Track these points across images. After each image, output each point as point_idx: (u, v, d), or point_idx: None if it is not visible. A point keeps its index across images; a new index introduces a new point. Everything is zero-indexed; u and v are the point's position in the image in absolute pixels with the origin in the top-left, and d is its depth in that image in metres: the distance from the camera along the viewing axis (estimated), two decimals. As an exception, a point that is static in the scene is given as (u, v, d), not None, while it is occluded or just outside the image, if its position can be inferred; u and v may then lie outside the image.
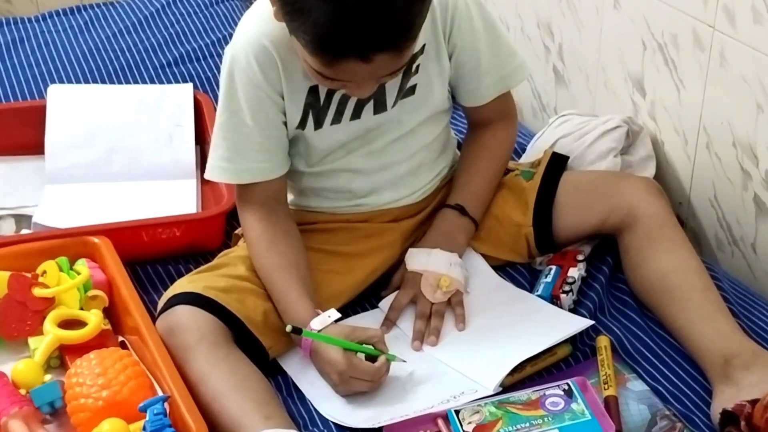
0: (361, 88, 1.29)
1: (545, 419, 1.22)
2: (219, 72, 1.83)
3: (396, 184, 1.48)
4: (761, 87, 1.43)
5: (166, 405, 1.22)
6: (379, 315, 1.46)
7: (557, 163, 1.55)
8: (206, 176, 1.47)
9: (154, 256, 1.57)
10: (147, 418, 1.20)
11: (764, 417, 1.16)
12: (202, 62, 1.97)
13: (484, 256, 1.52)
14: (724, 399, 1.24)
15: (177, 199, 1.70)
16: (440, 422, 1.25)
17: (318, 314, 1.32)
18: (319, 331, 1.31)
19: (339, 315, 1.33)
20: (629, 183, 1.50)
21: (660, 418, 1.25)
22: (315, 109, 1.39)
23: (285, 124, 1.40)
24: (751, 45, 1.43)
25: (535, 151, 1.67)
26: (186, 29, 2.09)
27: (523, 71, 1.52)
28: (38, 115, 1.78)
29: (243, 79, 1.37)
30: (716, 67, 1.50)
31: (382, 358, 1.30)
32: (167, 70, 1.96)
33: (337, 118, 1.40)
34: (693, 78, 1.56)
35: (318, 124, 1.40)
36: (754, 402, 1.20)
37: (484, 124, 1.55)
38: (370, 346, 1.31)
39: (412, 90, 1.42)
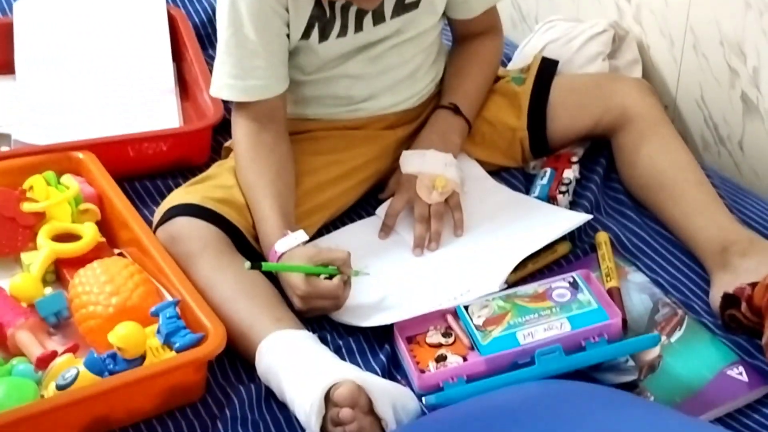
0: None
1: (553, 310, 1.29)
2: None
3: (394, 89, 1.52)
4: (749, -16, 1.51)
5: (177, 309, 1.27)
6: (376, 222, 1.51)
7: (547, 67, 1.62)
8: (212, 93, 1.50)
9: (140, 173, 1.60)
10: (160, 322, 1.26)
11: (765, 297, 1.25)
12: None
13: (479, 161, 1.58)
14: (723, 285, 1.33)
15: (157, 115, 1.72)
16: (449, 318, 1.33)
17: (286, 235, 1.35)
18: (284, 253, 1.33)
19: (306, 237, 1.35)
20: (622, 83, 1.57)
21: (662, 306, 1.34)
22: (321, 21, 1.43)
23: (288, 36, 1.44)
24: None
25: (524, 57, 1.73)
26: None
27: None
28: (6, 33, 1.79)
29: None
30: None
31: (337, 278, 1.31)
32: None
33: (343, 31, 1.44)
34: (679, -21, 1.64)
35: (324, 37, 1.44)
36: (753, 285, 1.29)
37: (472, 37, 1.60)
38: (334, 268, 1.32)
39: (416, 4, 1.47)
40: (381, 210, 1.53)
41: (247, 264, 1.27)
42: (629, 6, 1.75)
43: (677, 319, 1.32)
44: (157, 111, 1.73)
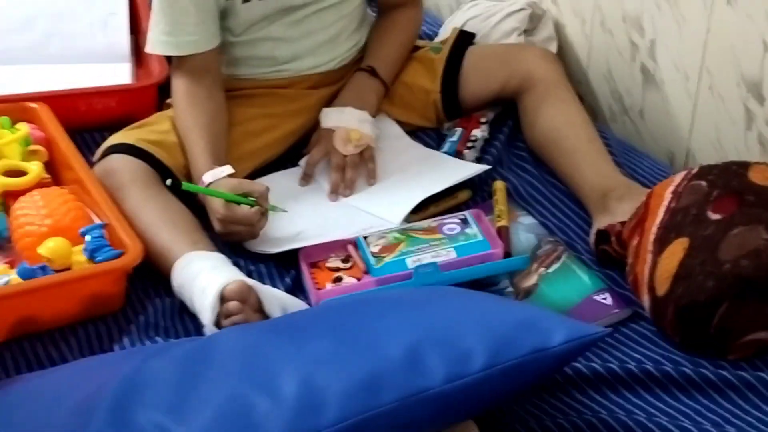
0: None
1: (442, 241, 1.44)
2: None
3: (316, 51, 1.68)
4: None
5: (104, 231, 1.42)
6: (299, 172, 1.66)
7: (464, 39, 1.77)
8: (147, 50, 1.65)
9: (90, 126, 1.75)
10: (87, 240, 1.40)
11: (630, 230, 1.39)
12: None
13: (397, 121, 1.73)
14: (601, 225, 1.47)
15: (112, 81, 1.88)
16: (350, 247, 1.47)
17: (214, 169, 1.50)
18: (210, 183, 1.47)
19: (232, 170, 1.49)
20: (527, 51, 1.74)
21: (544, 244, 1.48)
22: None
23: None
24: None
25: (446, 32, 1.88)
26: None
27: None
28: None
29: None
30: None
31: (256, 208, 1.44)
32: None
33: None
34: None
35: None
36: (623, 223, 1.44)
37: (393, 8, 1.76)
38: (252, 199, 1.45)
39: None
40: (303, 161, 1.67)
41: (168, 181, 1.42)
42: (546, -12, 1.91)
43: (556, 254, 1.45)
44: (112, 77, 1.87)
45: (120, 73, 1.89)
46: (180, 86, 1.60)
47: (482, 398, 1.01)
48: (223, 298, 1.29)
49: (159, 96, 1.78)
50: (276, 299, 1.30)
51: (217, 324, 1.29)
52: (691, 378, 1.25)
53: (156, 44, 1.63)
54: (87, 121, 1.74)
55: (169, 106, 1.69)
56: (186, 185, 1.45)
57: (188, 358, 1.07)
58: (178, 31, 1.59)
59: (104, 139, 1.73)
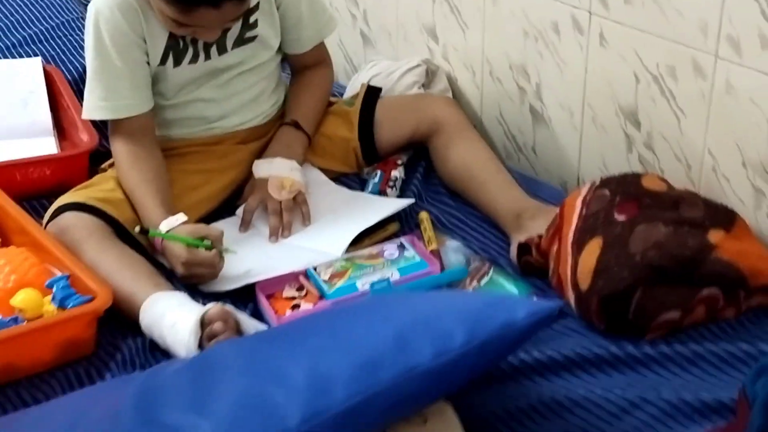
0: (210, 32, 1.66)
1: (385, 264, 1.60)
2: (65, 51, 2.13)
3: (242, 110, 1.83)
4: (527, 19, 1.89)
5: (68, 281, 1.50)
6: (237, 220, 1.79)
7: (372, 92, 1.96)
8: (85, 116, 1.77)
9: (26, 196, 1.83)
10: (54, 291, 1.49)
11: (549, 239, 1.59)
12: (49, 42, 2.23)
13: (321, 169, 1.90)
14: (519, 241, 1.67)
15: (40, 153, 1.96)
16: (301, 278, 1.61)
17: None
18: (167, 231, 1.60)
19: (185, 218, 1.62)
20: (432, 99, 1.96)
21: (473, 261, 1.66)
22: (175, 50, 1.73)
23: (148, 63, 1.73)
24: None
25: (352, 89, 2.07)
26: (31, 14, 2.34)
27: (334, 22, 1.94)
28: None
29: (108, 27, 1.69)
30: (491, 7, 1.96)
31: (215, 250, 1.58)
32: (14, 50, 2.21)
33: (194, 59, 1.75)
34: (475, 21, 2.02)
35: (177, 63, 1.74)
36: (540, 236, 1.63)
37: (306, 68, 1.94)
38: (209, 242, 1.58)
39: (252, 39, 1.79)
40: (240, 210, 1.81)
41: (137, 228, 1.53)
42: (437, 46, 2.13)
43: (485, 269, 1.63)
44: (38, 151, 1.97)
45: (46, 146, 1.98)
46: (121, 148, 1.72)
47: (464, 372, 1.16)
48: (203, 324, 1.40)
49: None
50: (251, 322, 1.42)
51: (200, 348, 1.39)
52: (618, 357, 1.44)
53: (93, 110, 1.74)
54: (23, 191, 1.82)
55: (104, 170, 1.81)
56: (152, 232, 1.56)
57: (195, 366, 1.18)
58: (113, 96, 1.71)
59: (40, 206, 1.82)
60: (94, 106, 1.74)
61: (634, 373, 1.43)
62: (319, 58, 1.94)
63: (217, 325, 1.38)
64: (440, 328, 1.14)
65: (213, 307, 1.41)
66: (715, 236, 1.49)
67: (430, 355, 1.11)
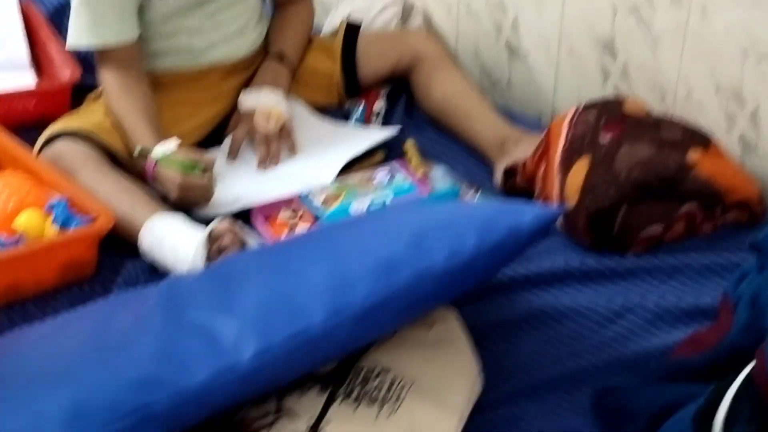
0: None
1: (376, 188, 1.65)
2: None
3: (227, 41, 1.85)
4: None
5: (68, 204, 1.53)
6: (224, 151, 1.82)
7: (353, 27, 2.00)
8: (70, 45, 1.77)
9: (10, 127, 1.83)
10: (55, 214, 1.51)
11: (535, 162, 1.65)
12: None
13: (305, 101, 1.93)
14: (504, 166, 1.73)
15: (18, 87, 1.96)
16: (295, 202, 1.65)
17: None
18: (163, 155, 1.62)
19: (179, 142, 1.65)
20: (413, 33, 2.01)
21: (462, 186, 1.72)
22: None
23: None
24: None
25: (331, 26, 2.11)
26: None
27: None
28: None
29: None
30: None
31: (209, 174, 1.61)
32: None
33: None
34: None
35: None
36: (525, 160, 1.70)
37: (287, 3, 1.97)
38: (202, 166, 1.61)
39: None
40: (227, 141, 1.84)
41: (138, 149, 1.55)
42: (410, -16, 2.18)
43: (471, 193, 1.69)
44: (16, 82, 1.96)
45: (24, 80, 1.98)
46: (110, 77, 1.73)
47: (475, 273, 1.22)
48: (210, 239, 1.43)
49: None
50: (254, 239, 1.46)
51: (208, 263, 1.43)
52: (603, 270, 1.52)
53: (79, 38, 1.75)
54: (5, 123, 1.82)
55: (92, 99, 1.82)
56: (153, 154, 1.59)
57: (215, 272, 1.22)
58: (100, 25, 1.72)
59: (25, 139, 1.83)
60: (80, 35, 1.74)
61: (619, 284, 1.50)
62: (303, -8, 1.98)
63: (227, 238, 1.42)
64: (452, 231, 1.19)
65: (221, 222, 1.45)
66: (693, 155, 1.57)
67: (444, 256, 1.17)
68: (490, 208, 1.26)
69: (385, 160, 1.80)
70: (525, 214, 1.22)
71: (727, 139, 1.71)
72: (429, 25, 2.16)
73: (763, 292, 1.29)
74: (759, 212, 1.59)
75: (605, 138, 1.58)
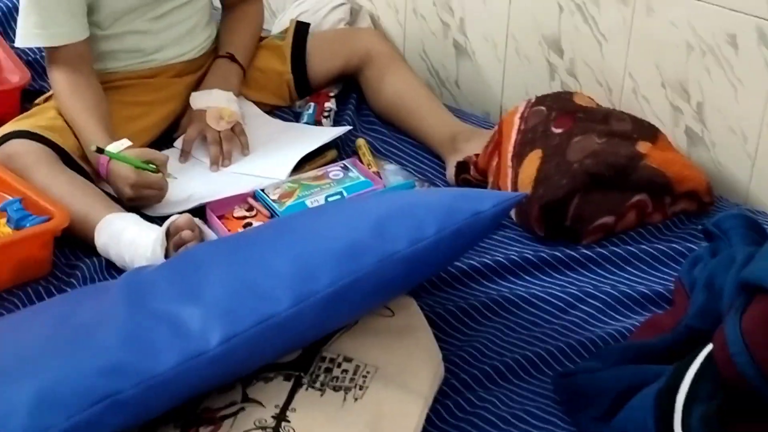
0: None
1: (331, 184, 1.66)
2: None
3: (177, 42, 1.86)
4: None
5: (22, 204, 1.51)
6: (176, 152, 1.82)
7: (302, 27, 2.01)
8: (18, 44, 1.76)
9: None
10: (9, 214, 1.49)
11: (488, 156, 1.68)
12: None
13: (255, 102, 1.94)
14: (455, 161, 1.76)
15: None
16: (250, 199, 1.65)
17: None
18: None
19: (130, 143, 1.64)
20: (363, 32, 2.03)
21: (414, 180, 1.74)
22: None
23: None
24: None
25: (280, 26, 2.12)
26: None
27: None
28: None
29: None
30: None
31: (162, 172, 1.61)
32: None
33: None
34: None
35: None
36: (477, 155, 1.72)
37: (237, 4, 1.98)
38: (154, 166, 1.62)
39: None
40: (178, 142, 1.84)
41: (94, 147, 1.54)
42: (356, -15, 2.20)
43: (426, 185, 1.71)
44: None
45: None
46: (60, 77, 1.72)
47: (437, 260, 1.24)
48: (168, 234, 1.43)
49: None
50: (211, 234, 1.47)
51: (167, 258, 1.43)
52: (558, 259, 1.55)
53: (28, 38, 1.73)
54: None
55: (38, 105, 1.80)
56: (107, 151, 1.58)
57: (178, 264, 1.22)
58: (49, 24, 1.71)
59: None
60: (29, 34, 1.73)
61: (573, 274, 1.54)
62: (251, -8, 1.99)
63: (186, 233, 1.42)
64: (415, 217, 1.21)
65: (181, 217, 1.45)
66: (643, 147, 1.62)
67: (406, 242, 1.18)
68: (451, 194, 1.28)
69: (337, 158, 1.82)
70: (485, 200, 1.25)
71: (673, 132, 1.76)
72: (377, 26, 2.19)
73: (717, 276, 1.33)
74: (707, 201, 1.64)
75: (557, 130, 1.62)
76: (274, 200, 1.62)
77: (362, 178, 1.68)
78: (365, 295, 1.19)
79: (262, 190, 1.65)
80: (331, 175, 1.69)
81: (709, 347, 1.20)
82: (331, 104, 1.94)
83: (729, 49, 1.65)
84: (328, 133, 1.83)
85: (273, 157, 1.78)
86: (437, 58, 2.12)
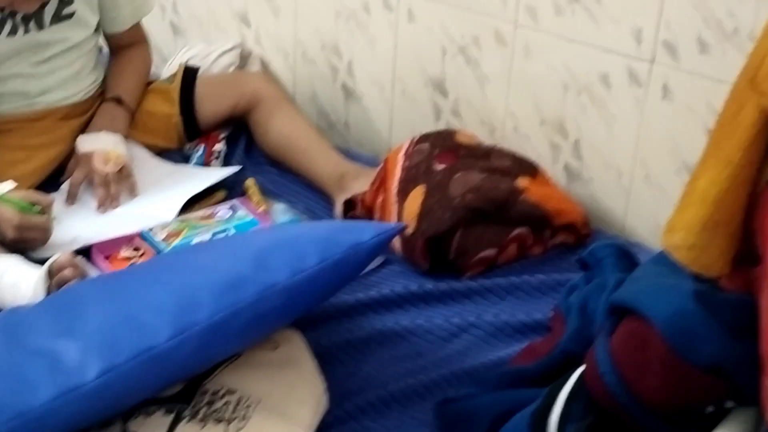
0: (28, 3, 1.69)
1: (218, 223, 1.68)
2: None
3: (63, 86, 1.86)
4: (338, 0, 2.05)
5: None
6: (62, 195, 1.82)
7: (191, 71, 2.04)
8: None
9: None
10: None
11: (373, 193, 1.72)
12: None
13: (144, 145, 1.95)
14: (342, 199, 1.79)
15: None
16: (137, 239, 1.66)
17: None
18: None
19: (15, 184, 1.64)
20: (250, 75, 2.07)
21: (301, 220, 1.77)
22: None
23: None
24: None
25: (171, 70, 2.14)
26: None
27: (150, 4, 2.01)
28: None
29: None
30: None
31: (47, 214, 1.61)
32: None
33: (13, 32, 1.76)
34: (287, 4, 2.14)
35: None
36: (363, 194, 1.76)
37: (125, 48, 2.00)
38: (39, 208, 1.61)
39: (70, 16, 1.83)
40: (65, 185, 1.83)
41: None
42: (250, 31, 2.23)
43: (313, 226, 1.75)
44: None
45: None
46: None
47: (319, 291, 1.27)
48: (50, 273, 1.42)
49: None
50: (94, 273, 1.46)
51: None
52: (442, 291, 1.59)
53: None
54: None
55: None
56: None
57: (56, 300, 1.22)
58: None
59: None
60: None
61: (456, 305, 1.58)
62: (137, 37, 2.01)
63: (68, 271, 1.42)
64: (296, 249, 1.24)
65: (61, 256, 1.44)
66: (522, 182, 1.68)
67: (287, 273, 1.21)
68: (332, 226, 1.32)
69: (226, 198, 1.84)
70: (365, 231, 1.29)
71: (553, 169, 1.84)
72: (267, 71, 2.23)
73: (590, 301, 1.39)
74: (584, 234, 1.71)
75: (439, 167, 1.67)
76: (160, 240, 1.63)
77: (250, 217, 1.70)
78: (247, 326, 1.21)
79: (149, 231, 1.66)
80: (218, 214, 1.71)
81: (582, 368, 1.25)
82: (221, 146, 1.97)
83: (602, 88, 1.74)
84: (217, 173, 1.85)
85: (160, 198, 1.79)
86: (327, 101, 2.17)
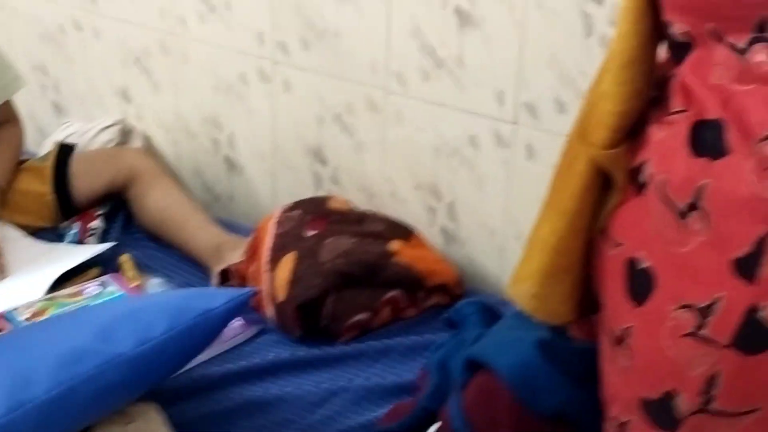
0: None
1: (86, 300, 1.65)
2: None
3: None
4: (216, 75, 2.05)
5: None
6: (-72, 278, 1.78)
7: (66, 149, 2.03)
8: None
9: None
10: None
11: (246, 262, 1.71)
12: None
13: (17, 225, 1.92)
14: (218, 270, 1.78)
15: None
16: (0, 320, 1.62)
17: None
18: None
19: None
20: (126, 151, 2.07)
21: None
22: None
23: None
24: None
25: (47, 148, 2.12)
26: None
27: (20, 81, 2.00)
28: None
29: None
30: (181, 65, 2.11)
31: None
32: None
33: None
34: (166, 80, 2.15)
35: None
36: (239, 263, 1.75)
37: None
38: None
39: None
40: (-67, 267, 1.79)
41: None
42: (131, 107, 2.23)
43: (188, 299, 1.73)
44: None
45: None
46: None
47: (169, 360, 1.25)
48: None
49: None
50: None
51: None
52: (315, 357, 1.58)
53: None
54: None
55: None
56: None
57: None
58: None
59: None
60: None
61: (327, 371, 1.57)
62: (7, 116, 1.99)
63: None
64: (143, 318, 1.22)
65: None
66: (394, 245, 1.69)
67: (132, 343, 1.19)
68: (183, 294, 1.31)
69: (101, 275, 1.82)
70: (216, 298, 1.28)
71: (429, 232, 1.85)
72: (150, 146, 2.23)
73: (450, 358, 1.39)
74: (458, 294, 1.71)
75: (310, 233, 1.68)
76: (23, 320, 1.60)
77: (120, 293, 1.68)
78: (92, 400, 1.18)
79: (14, 310, 1.63)
80: (87, 291, 1.68)
81: (437, 425, 1.24)
82: (97, 223, 1.94)
83: (471, 150, 1.77)
84: (89, 250, 1.82)
85: (29, 277, 1.76)
86: (211, 174, 2.17)
